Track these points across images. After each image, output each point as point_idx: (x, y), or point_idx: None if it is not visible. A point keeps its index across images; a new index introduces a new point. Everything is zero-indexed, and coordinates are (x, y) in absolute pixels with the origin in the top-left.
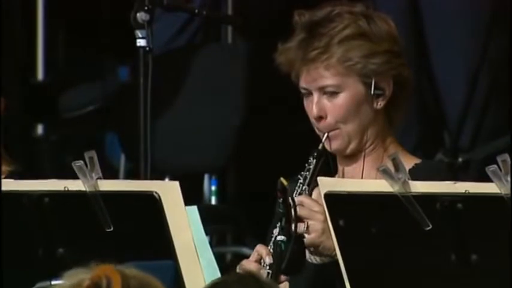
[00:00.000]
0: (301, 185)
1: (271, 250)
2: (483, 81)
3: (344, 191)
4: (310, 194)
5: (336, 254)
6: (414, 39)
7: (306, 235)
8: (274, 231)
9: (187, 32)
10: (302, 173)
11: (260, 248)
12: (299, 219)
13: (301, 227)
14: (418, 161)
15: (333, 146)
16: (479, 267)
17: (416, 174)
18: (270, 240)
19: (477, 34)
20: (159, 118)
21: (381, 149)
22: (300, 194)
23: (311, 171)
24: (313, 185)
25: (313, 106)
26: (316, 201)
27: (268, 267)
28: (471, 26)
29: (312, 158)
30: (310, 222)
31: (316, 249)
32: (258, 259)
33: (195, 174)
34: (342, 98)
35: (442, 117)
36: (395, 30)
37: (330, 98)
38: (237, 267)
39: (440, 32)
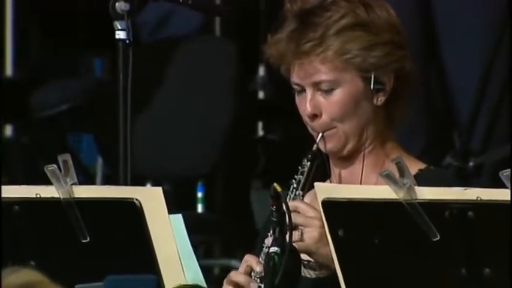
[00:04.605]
0: (294, 190)
1: (262, 261)
2: (497, 76)
3: (343, 198)
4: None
5: (333, 263)
6: (423, 31)
7: (300, 242)
8: (266, 241)
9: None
10: (296, 176)
11: (249, 258)
12: (294, 227)
13: (295, 234)
14: (422, 166)
15: (328, 146)
16: (492, 282)
17: (420, 181)
18: (261, 250)
19: (492, 26)
20: (140, 117)
21: (381, 150)
22: (293, 199)
23: (305, 174)
24: (307, 189)
25: (306, 103)
26: (311, 206)
27: (259, 280)
28: (485, 17)
29: (305, 160)
30: (306, 229)
31: (311, 256)
32: (248, 271)
33: (180, 180)
34: (338, 94)
35: (452, 116)
36: (396, 18)
37: (325, 94)
38: (224, 281)
39: (452, 23)
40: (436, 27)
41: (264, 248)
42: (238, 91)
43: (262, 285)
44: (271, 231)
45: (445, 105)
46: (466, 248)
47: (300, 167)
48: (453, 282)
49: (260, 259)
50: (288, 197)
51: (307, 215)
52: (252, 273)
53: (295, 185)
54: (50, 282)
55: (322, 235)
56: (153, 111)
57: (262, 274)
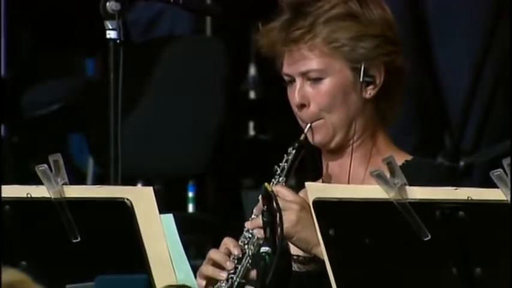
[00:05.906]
0: (278, 177)
1: (241, 243)
2: (488, 75)
3: (334, 198)
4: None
5: (313, 248)
6: (415, 31)
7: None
8: (245, 224)
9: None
10: (280, 164)
11: (227, 241)
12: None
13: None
14: (409, 157)
15: (316, 138)
16: (483, 281)
17: (405, 172)
18: (241, 234)
19: (483, 26)
20: (131, 117)
21: (370, 144)
22: (275, 185)
23: (289, 162)
24: (291, 176)
25: (295, 93)
26: (291, 191)
27: (236, 261)
28: (476, 17)
29: (291, 149)
30: (284, 213)
31: (290, 240)
32: (226, 253)
33: (171, 180)
34: (326, 84)
35: (443, 116)
36: (390, 16)
37: (314, 84)
38: (204, 261)
39: (444, 23)
40: (427, 27)
41: (244, 232)
42: (230, 91)
43: (239, 267)
44: (252, 215)
45: (436, 105)
46: (457, 247)
47: (285, 155)
48: (444, 281)
49: (240, 242)
50: (271, 183)
51: (286, 199)
52: (231, 256)
53: (278, 172)
54: (33, 282)
55: (301, 219)
56: (144, 111)
57: (240, 256)
